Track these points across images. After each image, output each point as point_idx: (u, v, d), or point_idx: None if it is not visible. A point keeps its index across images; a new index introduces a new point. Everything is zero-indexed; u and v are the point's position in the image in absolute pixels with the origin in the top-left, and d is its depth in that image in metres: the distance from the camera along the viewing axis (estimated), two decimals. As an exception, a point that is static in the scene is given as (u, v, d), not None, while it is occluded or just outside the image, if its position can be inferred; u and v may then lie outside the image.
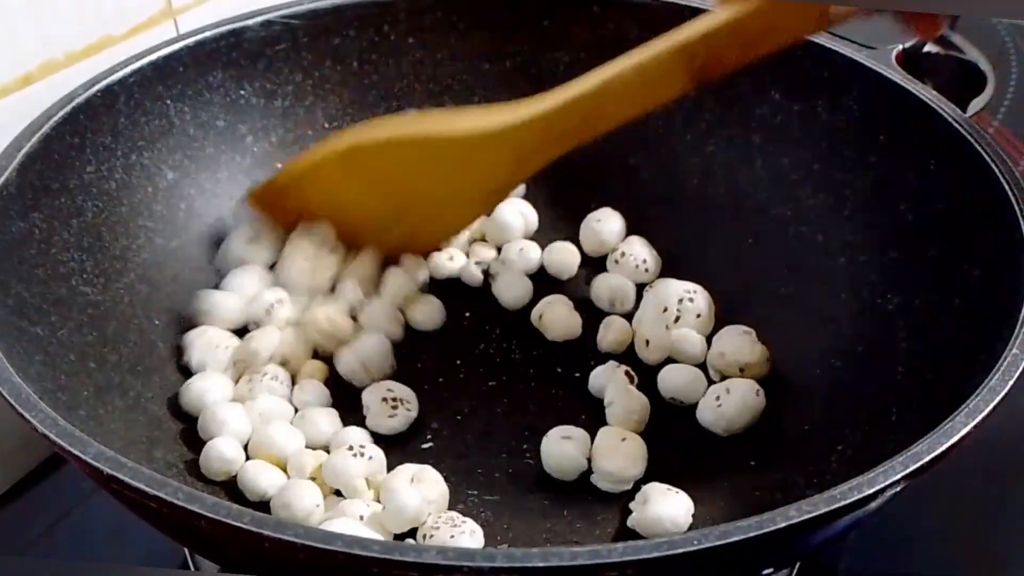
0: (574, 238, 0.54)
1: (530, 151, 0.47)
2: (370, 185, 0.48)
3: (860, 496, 0.28)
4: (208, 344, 0.45)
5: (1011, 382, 0.32)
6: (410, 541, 0.39)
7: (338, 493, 0.41)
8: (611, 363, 0.46)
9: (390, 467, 0.41)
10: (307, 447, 0.42)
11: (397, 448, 0.43)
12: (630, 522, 0.40)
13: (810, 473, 0.40)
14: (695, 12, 0.52)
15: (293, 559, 0.28)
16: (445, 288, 0.52)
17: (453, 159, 0.47)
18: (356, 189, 0.48)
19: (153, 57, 0.48)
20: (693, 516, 0.40)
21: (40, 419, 0.31)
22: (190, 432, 0.43)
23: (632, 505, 0.40)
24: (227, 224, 0.51)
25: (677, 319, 0.48)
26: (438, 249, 0.52)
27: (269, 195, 0.49)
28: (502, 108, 0.47)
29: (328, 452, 0.42)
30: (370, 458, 0.41)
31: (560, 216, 0.56)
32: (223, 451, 0.41)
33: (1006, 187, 0.40)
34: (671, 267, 0.53)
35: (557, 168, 0.57)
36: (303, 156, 0.49)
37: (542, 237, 0.55)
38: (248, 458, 0.42)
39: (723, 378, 0.46)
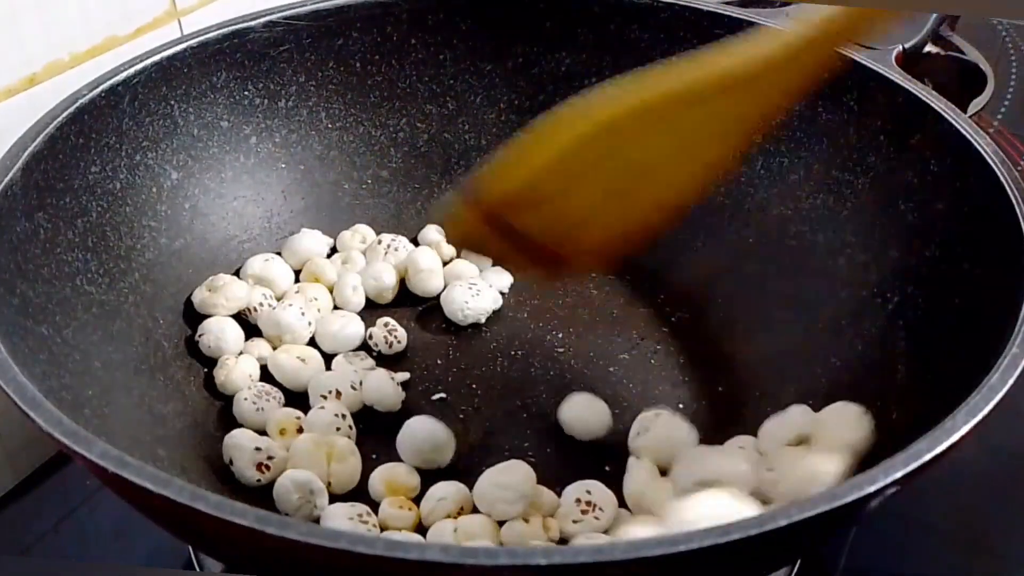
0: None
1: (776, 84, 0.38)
2: (599, 175, 0.39)
3: (861, 495, 0.28)
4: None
5: (1011, 381, 0.32)
6: (415, 539, 0.39)
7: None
8: None
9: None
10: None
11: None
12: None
13: (811, 472, 0.40)
14: (695, 13, 0.53)
15: (296, 557, 0.28)
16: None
17: (686, 111, 0.38)
18: (581, 187, 0.39)
19: (157, 58, 0.48)
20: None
21: (45, 418, 0.31)
22: (194, 431, 0.43)
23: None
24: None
25: None
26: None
27: (472, 223, 0.40)
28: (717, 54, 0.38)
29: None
30: None
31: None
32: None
33: (1006, 187, 0.40)
34: (670, 267, 0.53)
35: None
36: (507, 167, 0.39)
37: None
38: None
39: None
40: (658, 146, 0.38)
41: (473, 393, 0.47)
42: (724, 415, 0.46)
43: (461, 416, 0.46)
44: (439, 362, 0.49)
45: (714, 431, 0.45)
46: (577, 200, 0.39)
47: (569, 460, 0.44)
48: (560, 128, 0.39)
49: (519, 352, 0.49)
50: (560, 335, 0.50)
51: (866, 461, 0.30)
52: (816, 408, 0.44)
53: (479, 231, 0.40)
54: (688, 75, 0.38)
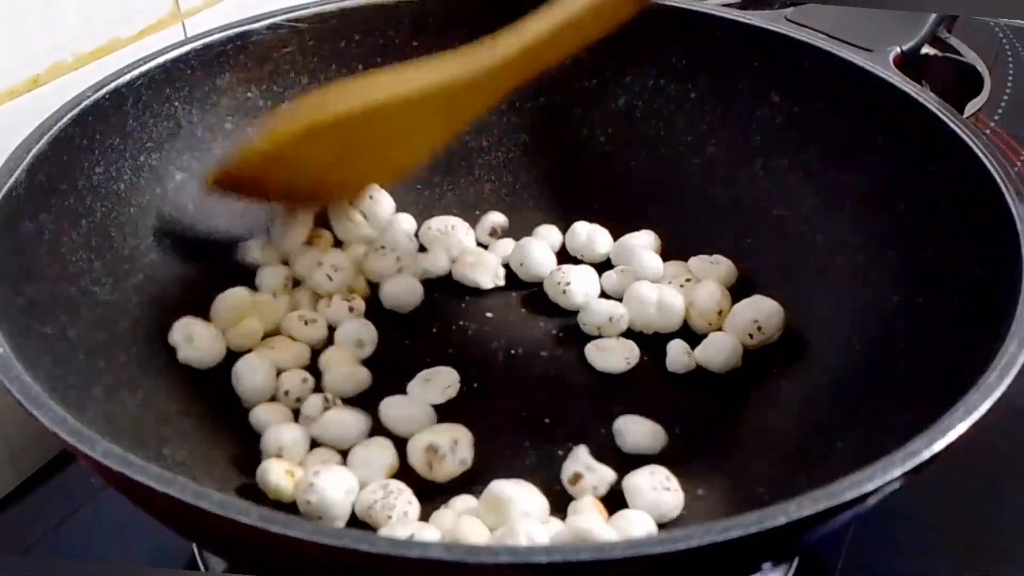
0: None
1: (485, 93, 0.47)
2: (328, 151, 0.47)
3: (859, 493, 0.29)
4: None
5: (1009, 379, 0.32)
6: (416, 539, 0.39)
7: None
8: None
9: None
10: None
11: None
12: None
13: (810, 469, 0.41)
14: (695, 15, 0.53)
15: (300, 555, 0.28)
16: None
17: (409, 116, 0.47)
18: (313, 157, 0.47)
19: (161, 60, 0.48)
20: (693, 513, 0.40)
21: (50, 417, 0.31)
22: (198, 430, 0.44)
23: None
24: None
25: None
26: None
27: (227, 178, 0.48)
28: (449, 58, 0.47)
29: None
30: None
31: (560, 218, 0.56)
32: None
33: (1003, 187, 0.40)
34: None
35: (557, 169, 0.57)
36: (258, 138, 0.47)
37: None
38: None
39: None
40: (380, 136, 0.47)
41: (479, 384, 0.47)
42: (723, 414, 0.46)
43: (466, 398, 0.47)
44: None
45: (713, 430, 0.45)
46: (312, 165, 0.48)
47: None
48: (300, 113, 0.47)
49: (519, 350, 0.49)
50: (561, 334, 0.51)
51: (865, 459, 0.30)
52: (813, 407, 0.44)
53: (235, 188, 0.48)
54: (401, 85, 0.46)
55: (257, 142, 0.47)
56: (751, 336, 0.47)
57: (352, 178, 0.51)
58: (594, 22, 0.45)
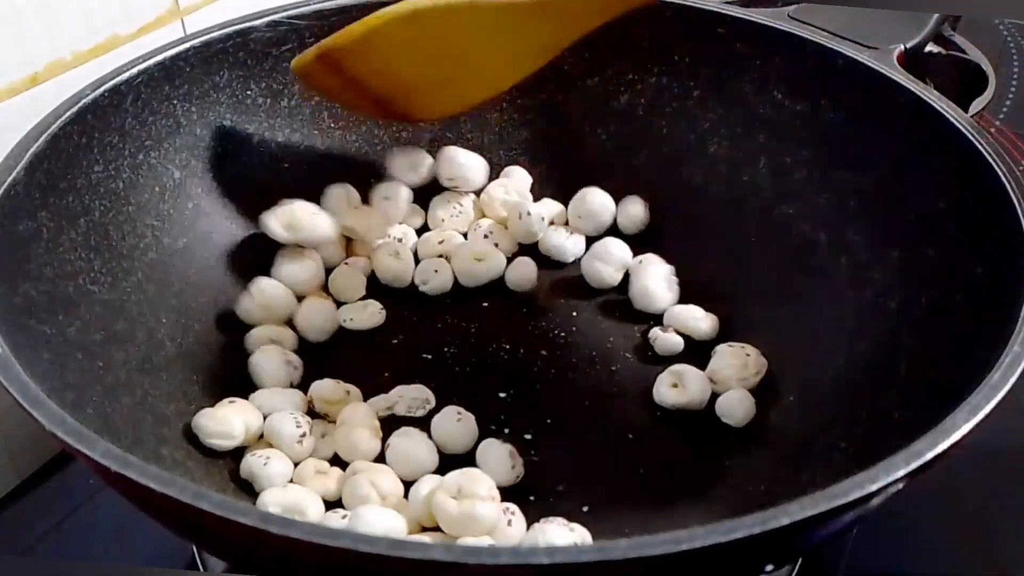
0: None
1: (579, 15, 0.47)
2: (425, 50, 0.47)
3: (862, 493, 0.28)
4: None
5: (1012, 380, 0.32)
6: (416, 538, 0.39)
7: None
8: None
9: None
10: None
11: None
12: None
13: (813, 470, 0.41)
14: (697, 13, 0.53)
15: (299, 555, 0.28)
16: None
17: (507, 23, 0.46)
18: (410, 54, 0.47)
19: (160, 57, 0.48)
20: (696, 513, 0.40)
21: (48, 417, 0.31)
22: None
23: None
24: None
25: None
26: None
27: (320, 66, 0.47)
28: None
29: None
30: None
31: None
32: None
33: (1007, 186, 0.40)
34: (674, 265, 0.53)
35: (559, 167, 0.57)
36: (355, 24, 0.46)
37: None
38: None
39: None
40: (478, 44, 0.47)
41: (479, 385, 0.47)
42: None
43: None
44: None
45: (713, 430, 0.45)
46: (405, 67, 0.48)
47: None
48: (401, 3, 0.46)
49: (519, 350, 0.49)
50: (563, 333, 0.51)
51: (868, 459, 0.30)
52: (815, 407, 0.44)
53: (325, 79, 0.48)
54: None
55: (354, 28, 0.46)
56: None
57: (439, 92, 0.50)
58: None
